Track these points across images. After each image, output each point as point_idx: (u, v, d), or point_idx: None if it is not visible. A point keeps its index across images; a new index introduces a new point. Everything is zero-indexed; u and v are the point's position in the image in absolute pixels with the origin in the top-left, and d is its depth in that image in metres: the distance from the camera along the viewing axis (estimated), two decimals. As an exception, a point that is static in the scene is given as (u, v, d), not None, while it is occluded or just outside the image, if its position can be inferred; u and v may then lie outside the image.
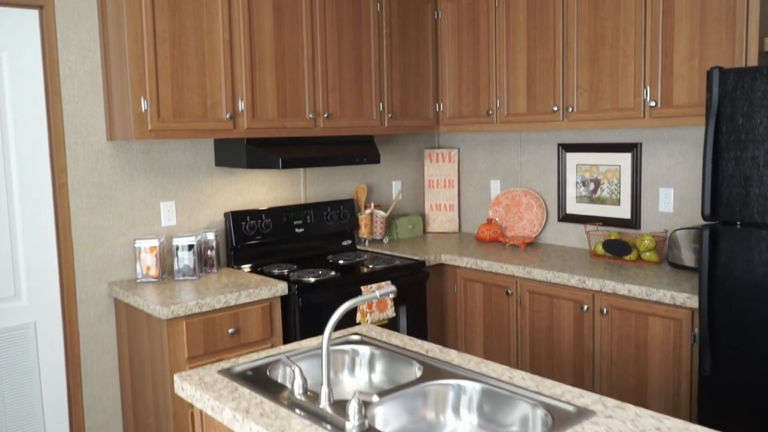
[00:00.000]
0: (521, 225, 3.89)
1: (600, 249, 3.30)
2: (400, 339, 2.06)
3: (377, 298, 1.55)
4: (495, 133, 4.02)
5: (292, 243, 3.55)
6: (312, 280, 3.00)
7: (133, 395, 2.97)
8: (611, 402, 1.56)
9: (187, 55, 2.85)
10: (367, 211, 3.88)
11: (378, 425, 1.58)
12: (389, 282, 3.18)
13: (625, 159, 3.38)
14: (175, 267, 3.04)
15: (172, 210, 3.21)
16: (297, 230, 3.54)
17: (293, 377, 1.60)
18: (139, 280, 3.00)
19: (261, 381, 1.74)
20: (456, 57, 3.75)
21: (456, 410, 1.69)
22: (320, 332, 3.01)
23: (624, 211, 3.41)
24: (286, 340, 2.98)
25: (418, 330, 3.39)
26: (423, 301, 3.42)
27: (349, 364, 1.98)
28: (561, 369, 3.06)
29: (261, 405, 1.58)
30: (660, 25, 2.83)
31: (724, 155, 2.24)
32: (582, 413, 1.49)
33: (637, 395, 2.78)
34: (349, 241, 3.80)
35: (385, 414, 1.60)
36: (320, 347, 1.99)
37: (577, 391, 1.62)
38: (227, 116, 2.99)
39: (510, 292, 3.23)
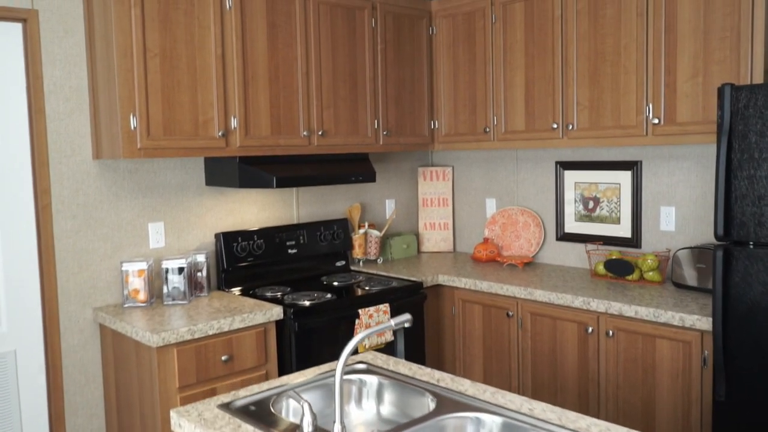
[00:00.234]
0: (518, 244, 3.81)
1: (601, 269, 3.23)
2: (408, 367, 1.95)
3: (392, 327, 1.45)
4: (490, 151, 3.95)
5: (285, 264, 3.43)
6: (307, 303, 2.89)
7: (119, 427, 2.82)
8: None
9: (178, 70, 2.75)
10: (361, 231, 3.78)
11: (394, 465, 1.47)
12: (387, 305, 3.08)
13: (624, 177, 3.33)
14: (165, 291, 2.91)
15: (161, 231, 3.09)
16: (290, 251, 3.43)
17: (302, 412, 1.49)
18: (126, 305, 2.86)
19: (265, 416, 1.62)
20: (451, 73, 3.69)
21: (474, 446, 1.59)
22: (317, 358, 2.89)
23: (624, 230, 3.35)
24: (281, 366, 2.86)
25: (415, 354, 3.29)
26: (421, 324, 3.32)
27: (356, 394, 1.87)
28: (565, 393, 2.97)
29: (268, 444, 1.46)
30: (662, 42, 2.79)
31: (737, 174, 2.18)
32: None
33: (644, 420, 2.69)
34: (343, 262, 3.70)
35: (400, 452, 1.50)
36: (323, 377, 1.88)
37: (604, 424, 1.53)
38: (219, 134, 2.88)
39: (511, 313, 3.15)
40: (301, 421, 1.48)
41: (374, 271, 3.61)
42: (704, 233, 3.06)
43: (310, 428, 1.46)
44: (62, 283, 2.80)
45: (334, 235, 3.63)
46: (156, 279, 3.05)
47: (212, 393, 2.60)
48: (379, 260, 3.86)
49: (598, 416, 2.85)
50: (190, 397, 2.54)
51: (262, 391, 1.79)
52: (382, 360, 2.02)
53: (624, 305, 2.69)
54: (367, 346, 2.98)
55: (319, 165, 3.27)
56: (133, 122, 2.63)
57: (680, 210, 3.14)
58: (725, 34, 2.61)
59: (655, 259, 3.04)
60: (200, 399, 2.57)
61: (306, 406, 1.48)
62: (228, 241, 3.21)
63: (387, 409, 1.85)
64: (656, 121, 2.82)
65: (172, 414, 1.68)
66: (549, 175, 3.67)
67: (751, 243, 2.21)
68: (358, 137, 3.44)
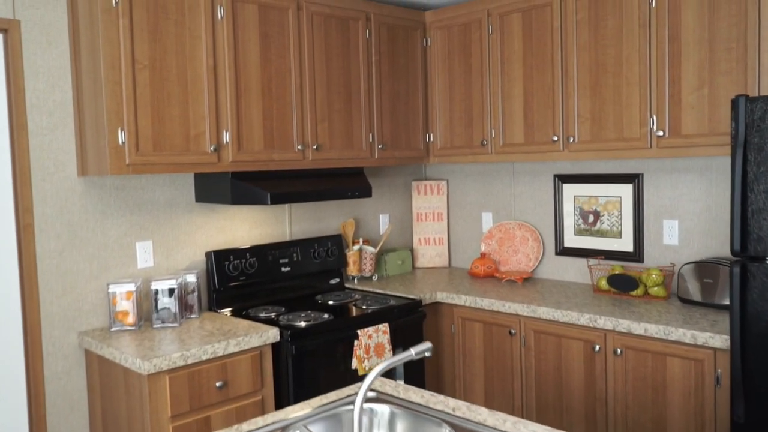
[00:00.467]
0: (516, 259, 3.73)
1: (604, 284, 3.16)
2: (420, 395, 1.85)
3: (413, 357, 1.35)
4: (486, 164, 3.88)
5: (278, 283, 3.31)
6: (304, 324, 2.77)
7: (106, 458, 2.67)
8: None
9: (168, 82, 2.63)
10: (356, 247, 3.68)
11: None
12: (386, 324, 2.97)
13: (625, 190, 3.26)
14: (154, 313, 2.77)
15: (149, 250, 2.95)
16: (283, 269, 3.31)
17: (314, 451, 1.38)
18: (113, 329, 2.72)
19: (272, 454, 1.51)
20: (447, 85, 3.62)
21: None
22: (314, 382, 2.77)
23: (626, 244, 3.28)
24: (278, 391, 2.73)
25: (415, 375, 3.18)
26: (419, 342, 3.20)
27: (367, 425, 1.76)
28: (571, 413, 2.88)
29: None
30: (666, 53, 2.74)
31: (753, 187, 2.12)
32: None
33: (656, 442, 2.61)
34: (338, 279, 3.59)
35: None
36: (331, 407, 1.76)
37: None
38: (211, 148, 2.77)
39: (513, 331, 3.05)
40: (314, 459, 1.36)
41: (370, 289, 3.50)
42: (709, 247, 3.00)
43: (325, 468, 1.35)
44: (45, 307, 2.66)
45: (328, 252, 3.52)
46: (144, 300, 2.92)
47: (206, 422, 2.47)
48: (374, 277, 3.75)
49: (606, 437, 2.76)
50: (182, 427, 2.41)
51: (267, 425, 1.67)
52: (391, 387, 1.92)
53: (632, 322, 2.61)
54: (367, 368, 2.86)
55: (314, 180, 3.16)
56: (121, 137, 2.51)
57: (684, 223, 3.08)
58: (731, 45, 2.56)
59: (660, 274, 2.97)
60: (193, 429, 2.44)
61: (319, 444, 1.37)
62: (219, 259, 3.08)
63: (399, 440, 1.74)
64: (661, 133, 2.76)
65: (171, 452, 1.55)
66: (547, 188, 3.60)
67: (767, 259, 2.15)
68: (353, 151, 3.34)
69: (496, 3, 3.34)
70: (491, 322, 3.15)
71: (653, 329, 2.55)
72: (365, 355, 2.85)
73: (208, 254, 3.08)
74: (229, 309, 3.11)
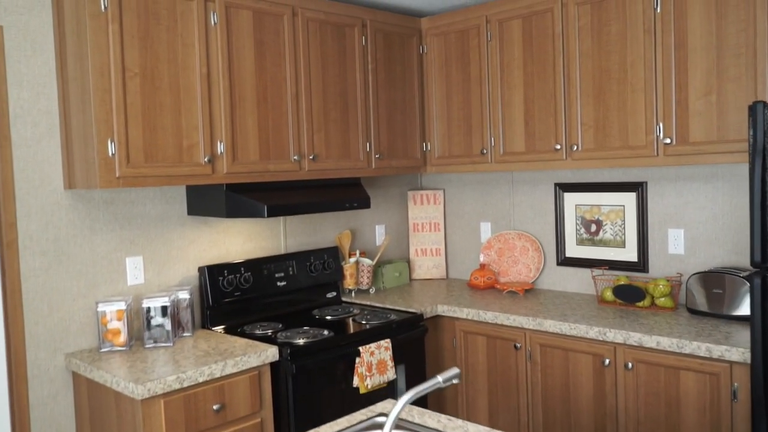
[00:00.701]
0: (516, 270, 3.65)
1: (609, 295, 3.09)
2: (436, 419, 1.75)
3: (441, 384, 1.25)
4: (484, 173, 3.80)
5: (274, 298, 3.20)
6: (304, 342, 2.66)
7: (96, 487, 2.53)
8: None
9: (160, 90, 2.52)
10: (352, 260, 3.57)
11: None
12: (388, 340, 2.86)
13: (629, 199, 3.20)
14: (146, 333, 2.64)
15: (140, 266, 2.83)
16: (278, 283, 3.20)
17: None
18: (103, 350, 2.59)
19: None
20: (444, 94, 3.54)
21: None
22: (315, 402, 2.65)
23: (630, 254, 3.21)
24: (277, 412, 2.61)
25: (417, 391, 3.07)
26: (422, 359, 3.11)
27: (381, 454, 1.66)
28: (579, 429, 2.79)
29: None
30: (672, 59, 2.68)
31: (772, 196, 2.06)
32: None
33: (670, 458, 2.53)
34: (334, 293, 3.48)
35: None
36: (345, 435, 1.66)
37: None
38: (205, 160, 2.65)
39: (518, 345, 2.96)
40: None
41: (368, 302, 3.40)
42: (716, 256, 2.94)
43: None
44: (30, 327, 2.52)
45: (324, 265, 3.41)
46: (135, 319, 2.79)
47: (203, 447, 2.35)
48: (371, 290, 3.65)
49: (617, 454, 2.67)
50: (179, 453, 2.28)
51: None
52: (405, 411, 1.81)
53: (644, 335, 2.54)
54: (369, 387, 2.75)
55: (311, 191, 3.06)
56: (111, 148, 2.39)
57: (689, 232, 3.02)
58: (740, 51, 2.51)
59: (667, 285, 2.91)
60: (190, 454, 2.31)
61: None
62: (213, 274, 2.96)
63: (417, 469, 1.64)
64: (668, 140, 2.70)
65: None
66: (547, 197, 3.53)
67: (788, 269, 2.08)
68: (350, 161, 3.24)
69: (494, 9, 3.27)
70: (495, 336, 3.06)
71: (666, 342, 2.48)
72: (367, 373, 2.74)
73: (201, 269, 2.96)
74: (224, 326, 2.99)
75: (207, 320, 2.95)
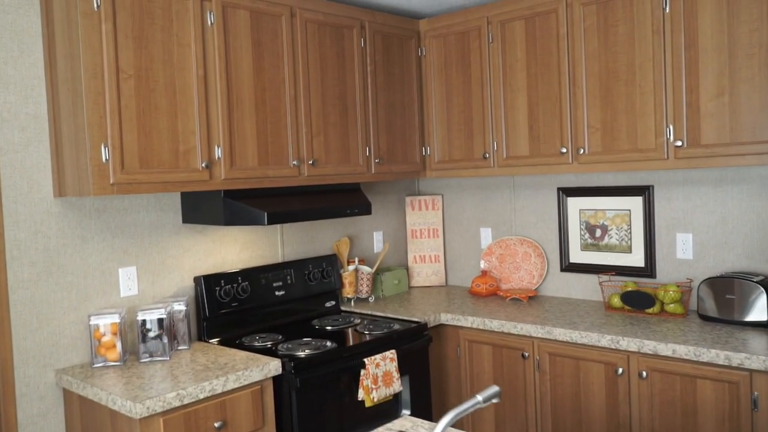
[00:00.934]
0: (518, 276, 3.57)
1: (617, 301, 3.02)
2: (458, 437, 1.65)
3: (481, 404, 1.16)
4: (484, 178, 3.72)
5: (272, 308, 3.09)
6: (307, 354, 2.55)
7: None
8: None
9: (155, 93, 2.41)
10: (351, 268, 3.47)
11: None
12: (394, 351, 2.76)
13: (635, 203, 3.14)
14: (141, 346, 2.52)
15: (133, 277, 2.70)
16: (277, 293, 3.09)
17: None
18: (96, 365, 2.46)
19: None
20: (444, 96, 3.46)
21: None
22: (319, 417, 2.54)
23: (637, 259, 3.15)
24: (279, 428, 2.50)
25: (421, 403, 2.98)
26: (426, 370, 3.01)
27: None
28: (591, 441, 2.71)
29: None
30: (683, 60, 2.62)
31: (796, 199, 1.99)
32: None
33: (686, 470, 2.46)
34: (333, 302, 3.37)
35: None
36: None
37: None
38: (203, 165, 2.54)
39: (526, 354, 2.88)
40: None
41: (368, 312, 3.30)
42: (726, 261, 2.88)
43: None
44: (18, 342, 2.39)
45: (323, 274, 3.30)
46: (128, 332, 2.66)
47: (204, 467, 2.23)
48: (370, 298, 3.55)
49: (631, 466, 2.59)
50: (179, 475, 2.16)
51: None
52: (425, 428, 1.72)
53: (659, 343, 2.47)
54: (375, 400, 2.65)
55: (310, 197, 2.96)
56: (104, 153, 2.27)
57: (698, 237, 2.96)
58: (752, 51, 2.46)
59: (677, 290, 2.84)
60: (191, 475, 2.19)
61: None
62: (209, 284, 2.85)
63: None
64: (679, 143, 2.64)
65: None
66: (550, 202, 3.45)
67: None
68: (349, 166, 3.14)
69: (495, 10, 3.20)
70: (501, 345, 2.97)
71: (682, 350, 2.41)
72: (373, 386, 2.64)
73: (197, 279, 2.85)
74: (221, 338, 2.87)
75: (203, 332, 2.83)
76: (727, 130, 2.54)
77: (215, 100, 2.59)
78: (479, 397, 1.16)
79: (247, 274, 2.99)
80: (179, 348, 2.68)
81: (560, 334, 2.74)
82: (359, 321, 3.11)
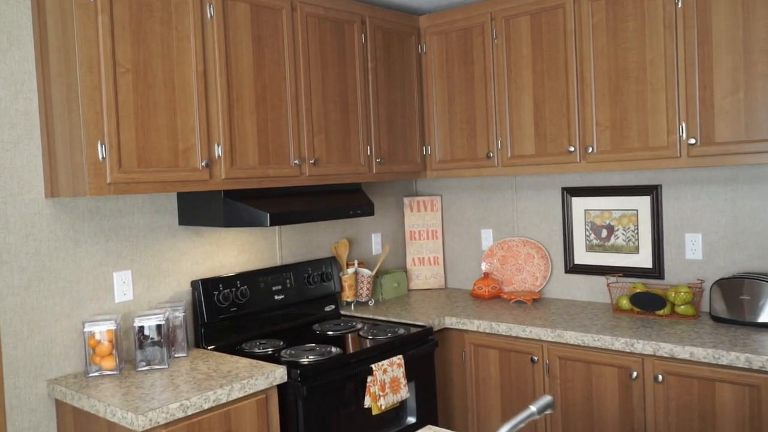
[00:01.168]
0: (521, 278, 3.50)
1: (625, 303, 2.96)
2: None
3: (535, 416, 1.07)
4: (484, 179, 3.65)
5: (271, 313, 2.98)
6: (313, 360, 2.45)
7: None
8: None
9: (154, 88, 2.30)
10: (350, 270, 3.37)
11: None
12: (401, 357, 2.67)
13: (642, 202, 3.08)
14: (138, 354, 2.40)
15: (128, 281, 2.58)
16: (276, 297, 2.98)
17: None
18: (91, 375, 2.34)
19: None
20: (445, 95, 3.38)
21: None
22: (325, 426, 2.44)
23: (644, 260, 3.09)
24: (285, 438, 2.40)
25: (427, 410, 2.89)
26: (432, 376, 2.93)
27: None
28: (603, 447, 2.65)
29: None
30: (696, 56, 2.57)
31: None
32: None
33: (704, 475, 2.40)
34: (333, 306, 3.27)
35: None
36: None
37: None
38: (203, 164, 2.43)
39: (535, 358, 2.81)
40: None
41: (369, 316, 3.20)
42: (736, 261, 2.83)
43: None
44: (8, 351, 2.26)
45: (323, 277, 3.20)
46: (123, 339, 2.54)
47: (209, 481, 2.12)
48: (370, 302, 3.45)
49: (646, 472, 2.53)
50: (183, 490, 2.05)
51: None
52: (450, 439, 1.63)
53: (675, 346, 2.40)
54: (383, 407, 2.56)
55: (312, 198, 2.86)
56: (101, 152, 2.16)
57: (708, 237, 2.91)
58: (768, 46, 2.41)
59: (689, 291, 2.79)
60: (195, 490, 2.08)
61: None
62: (208, 289, 2.73)
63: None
64: (692, 141, 2.59)
65: None
66: (554, 202, 3.39)
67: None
68: (350, 166, 3.05)
69: (500, 6, 3.13)
70: (509, 349, 2.90)
71: (701, 353, 2.35)
72: (380, 392, 2.55)
73: (194, 283, 2.73)
74: (220, 345, 2.75)
75: (201, 339, 2.72)
76: (742, 127, 2.49)
77: (215, 97, 2.49)
78: (533, 408, 1.07)
79: (246, 277, 2.88)
80: (177, 356, 2.56)
81: (571, 337, 2.67)
82: (361, 325, 3.02)
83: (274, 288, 2.98)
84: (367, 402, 2.53)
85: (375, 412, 2.54)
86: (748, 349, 2.31)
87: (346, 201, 2.95)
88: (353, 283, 3.37)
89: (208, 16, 2.46)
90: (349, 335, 2.86)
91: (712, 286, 2.70)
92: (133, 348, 2.45)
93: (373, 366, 2.55)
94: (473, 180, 3.70)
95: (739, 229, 2.82)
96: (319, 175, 2.89)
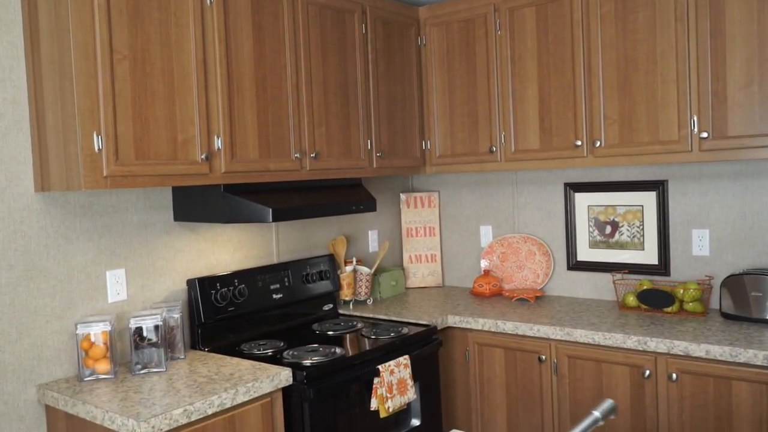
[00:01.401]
0: (522, 275, 3.43)
1: (632, 300, 2.90)
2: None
3: (600, 421, 0.99)
4: (483, 174, 3.57)
5: (270, 312, 2.87)
6: (317, 362, 2.35)
7: None
8: None
9: (152, 77, 2.17)
10: (349, 268, 3.28)
11: None
12: (407, 357, 2.58)
13: (648, 198, 3.03)
14: (134, 357, 2.28)
15: (122, 280, 2.46)
16: (274, 296, 2.87)
17: None
18: (85, 380, 2.21)
19: None
20: (445, 88, 3.29)
21: None
22: (332, 429, 2.34)
23: (650, 257, 3.04)
24: (290, 443, 2.30)
25: (431, 411, 2.81)
26: (436, 376, 2.85)
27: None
28: (614, 447, 2.59)
29: None
30: (708, 48, 2.52)
31: None
32: None
33: (719, 476, 2.35)
34: (331, 305, 3.17)
35: None
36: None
37: None
38: (202, 157, 2.32)
39: (543, 357, 2.74)
40: None
41: (369, 315, 3.11)
42: (745, 258, 2.80)
43: None
44: (-5, 356, 2.13)
45: (322, 275, 3.10)
46: (117, 341, 2.42)
47: (213, 490, 2.01)
48: (369, 301, 3.36)
49: (659, 473, 2.48)
50: (186, 501, 1.94)
51: None
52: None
53: (690, 344, 2.35)
54: (390, 410, 2.47)
55: (313, 193, 2.75)
56: (97, 143, 2.03)
57: (715, 233, 2.87)
58: (783, 38, 2.37)
59: (698, 288, 2.74)
60: (199, 500, 1.97)
61: None
62: (204, 288, 2.61)
63: None
64: (705, 134, 2.54)
65: None
66: (556, 198, 3.33)
67: None
68: (351, 160, 2.95)
69: (503, -3, 3.06)
70: (515, 348, 2.83)
71: (717, 351, 2.30)
72: (388, 394, 2.45)
73: (190, 282, 2.61)
74: (217, 346, 2.64)
75: (198, 340, 2.60)
76: (756, 120, 2.44)
77: (215, 86, 2.37)
78: (597, 413, 0.99)
79: (244, 276, 2.77)
80: (174, 358, 2.45)
81: (581, 335, 2.61)
82: (361, 325, 2.92)
83: (272, 287, 2.87)
84: (374, 404, 2.44)
85: (383, 414, 2.45)
86: (765, 346, 2.26)
87: (348, 196, 2.85)
88: (352, 281, 3.27)
89: (208, 2, 2.35)
90: (351, 335, 2.76)
91: (722, 283, 2.66)
92: (129, 350, 2.32)
93: (380, 367, 2.46)
94: (472, 175, 3.62)
95: (747, 225, 2.79)
96: (320, 169, 2.79)
